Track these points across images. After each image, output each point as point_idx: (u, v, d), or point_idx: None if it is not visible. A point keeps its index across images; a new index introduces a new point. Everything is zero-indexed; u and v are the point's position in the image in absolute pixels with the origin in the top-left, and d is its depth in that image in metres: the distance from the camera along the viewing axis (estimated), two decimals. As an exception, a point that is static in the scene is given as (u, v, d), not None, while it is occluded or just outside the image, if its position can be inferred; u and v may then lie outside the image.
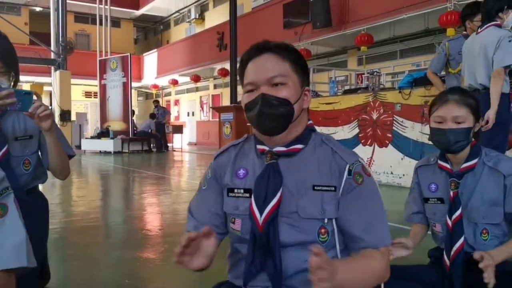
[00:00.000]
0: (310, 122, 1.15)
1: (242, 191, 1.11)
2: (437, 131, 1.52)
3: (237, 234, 1.11)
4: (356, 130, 5.85)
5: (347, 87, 8.81)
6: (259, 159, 1.12)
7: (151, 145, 14.09)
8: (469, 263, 1.47)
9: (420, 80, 5.06)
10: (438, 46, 3.97)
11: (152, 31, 24.57)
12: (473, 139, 1.53)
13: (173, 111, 20.74)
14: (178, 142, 15.52)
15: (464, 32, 3.83)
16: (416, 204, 1.69)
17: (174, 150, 14.76)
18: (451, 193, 1.53)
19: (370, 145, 5.66)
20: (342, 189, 1.06)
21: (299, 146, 1.10)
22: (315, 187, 1.06)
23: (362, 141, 5.77)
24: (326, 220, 1.05)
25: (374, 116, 5.58)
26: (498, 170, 1.48)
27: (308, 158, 1.09)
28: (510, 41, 3.07)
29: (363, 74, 8.80)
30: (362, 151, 5.74)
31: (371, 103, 5.61)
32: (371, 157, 5.65)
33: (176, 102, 21.28)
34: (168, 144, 14.97)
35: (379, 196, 1.10)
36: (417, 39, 10.57)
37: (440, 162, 1.59)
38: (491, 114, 3.07)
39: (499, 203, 1.48)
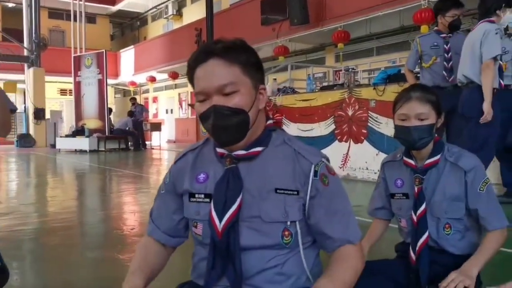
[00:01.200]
0: (270, 121, 1.12)
1: (202, 196, 1.09)
2: (401, 129, 1.54)
3: (198, 238, 1.11)
4: (332, 127, 5.90)
5: (325, 84, 8.88)
6: (219, 163, 1.10)
7: (129, 143, 13.92)
8: (434, 257, 1.51)
9: (394, 77, 5.13)
10: (413, 43, 4.04)
11: (129, 27, 24.23)
12: (436, 135, 1.56)
13: (152, 108, 20.52)
14: (156, 139, 15.37)
15: (436, 28, 3.90)
16: (380, 199, 1.72)
17: (153, 148, 14.61)
18: (416, 188, 1.55)
19: (346, 141, 5.72)
20: (310, 191, 1.05)
21: (259, 148, 1.07)
22: (278, 190, 1.04)
23: (338, 138, 5.82)
24: (289, 223, 1.04)
25: (350, 113, 5.63)
26: (459, 166, 1.50)
27: (269, 160, 1.07)
28: (496, 33, 3.15)
29: (341, 71, 8.88)
30: (338, 147, 5.79)
31: (347, 99, 5.66)
32: (347, 153, 5.70)
33: (155, 99, 21.06)
34: (146, 142, 14.82)
35: (345, 193, 1.11)
36: (392, 36, 10.73)
37: (405, 158, 1.61)
38: (485, 107, 3.12)
39: (460, 199, 1.50)
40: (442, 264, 1.49)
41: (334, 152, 5.84)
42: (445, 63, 3.70)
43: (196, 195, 1.10)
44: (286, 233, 1.04)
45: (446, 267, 1.49)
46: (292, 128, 6.47)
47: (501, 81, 3.33)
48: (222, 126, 1.01)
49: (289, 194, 1.04)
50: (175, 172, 1.16)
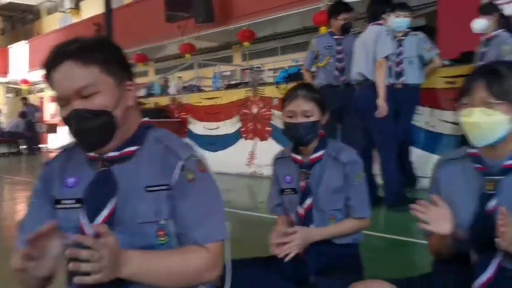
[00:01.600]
0: (145, 119, 1.09)
1: (72, 201, 1.02)
2: (289, 125, 1.60)
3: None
4: (238, 125, 5.95)
5: (233, 82, 8.94)
6: (90, 166, 1.04)
7: (20, 146, 12.77)
8: (320, 249, 1.57)
9: (294, 76, 5.31)
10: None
11: (20, 21, 22.19)
12: (320, 131, 1.63)
13: (48, 108, 19.02)
14: (54, 142, 14.29)
15: (330, 30, 4.11)
16: (277, 196, 1.75)
17: (49, 151, 13.56)
18: (302, 183, 1.61)
19: (252, 139, 5.81)
20: (174, 185, 1.02)
21: (132, 148, 1.03)
22: (148, 188, 1.01)
23: (244, 136, 5.89)
24: (162, 222, 1.01)
25: (254, 111, 5.73)
26: (339, 160, 1.60)
27: (144, 159, 1.04)
28: (387, 34, 3.43)
29: (248, 69, 9.01)
30: (244, 145, 5.87)
31: (251, 98, 5.75)
32: (253, 151, 5.80)
33: (53, 99, 19.56)
34: (42, 145, 13.72)
35: (213, 192, 1.08)
36: (296, 36, 11.12)
37: (292, 154, 1.67)
38: (380, 103, 3.37)
39: (341, 190, 1.60)
40: (328, 255, 1.56)
41: (240, 150, 5.90)
42: (337, 63, 3.91)
43: (63, 201, 1.03)
44: (161, 232, 1.01)
45: (332, 258, 1.56)
46: (198, 127, 6.41)
47: (390, 79, 3.61)
48: (84, 130, 0.97)
49: (160, 190, 1.01)
50: (46, 174, 1.09)
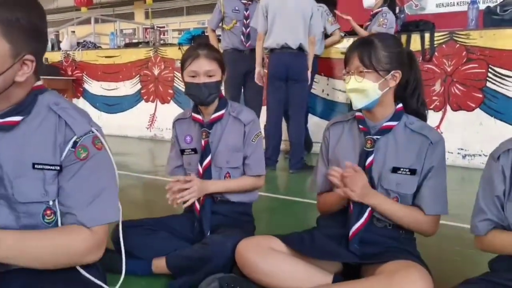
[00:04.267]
0: (39, 83, 0.98)
1: None
2: (192, 85, 1.59)
3: None
4: (138, 86, 5.72)
5: (135, 41, 8.46)
6: None
7: None
8: (215, 208, 1.61)
9: (198, 37, 5.20)
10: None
11: None
12: (220, 92, 1.65)
13: None
14: None
15: None
16: (177, 157, 1.75)
17: None
18: (203, 142, 1.63)
19: (153, 101, 5.63)
20: (63, 160, 0.96)
21: (16, 118, 0.94)
22: (36, 165, 0.93)
23: (145, 97, 5.69)
24: (51, 202, 0.96)
25: (156, 72, 5.53)
26: (240, 120, 1.65)
27: (30, 130, 0.95)
28: (318, 10, 3.61)
29: (150, 28, 8.57)
30: (145, 108, 5.68)
31: (152, 58, 5.53)
32: (154, 114, 5.64)
33: None
34: None
35: (106, 172, 1.02)
36: (201, -3, 10.87)
37: (193, 114, 1.67)
38: (309, 74, 3.61)
39: (239, 149, 1.65)
40: (222, 213, 1.62)
41: (141, 112, 5.71)
42: (243, 28, 3.90)
43: None
44: (48, 212, 0.96)
45: (226, 216, 1.62)
46: (95, 87, 6.04)
47: None
48: None
49: (48, 169, 0.94)
50: None
